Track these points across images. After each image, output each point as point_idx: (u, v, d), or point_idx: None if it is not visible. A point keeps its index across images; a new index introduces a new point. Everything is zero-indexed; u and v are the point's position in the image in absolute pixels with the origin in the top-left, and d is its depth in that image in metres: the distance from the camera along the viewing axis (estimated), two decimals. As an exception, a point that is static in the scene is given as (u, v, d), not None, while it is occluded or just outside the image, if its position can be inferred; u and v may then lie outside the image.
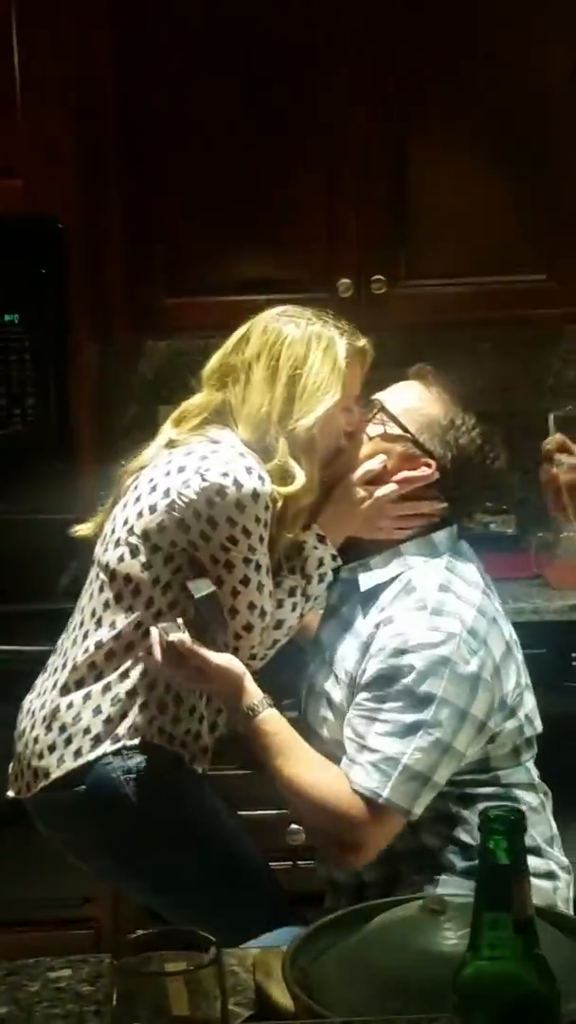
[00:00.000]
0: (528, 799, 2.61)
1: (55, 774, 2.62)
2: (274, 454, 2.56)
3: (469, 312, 3.80)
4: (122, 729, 2.59)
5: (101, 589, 2.64)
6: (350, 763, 2.48)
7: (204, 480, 2.49)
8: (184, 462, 2.55)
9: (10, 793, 2.74)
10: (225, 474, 2.49)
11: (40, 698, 2.70)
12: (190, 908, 2.63)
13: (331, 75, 3.63)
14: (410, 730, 2.44)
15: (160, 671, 2.55)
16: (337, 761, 2.53)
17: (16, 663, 3.35)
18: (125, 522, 2.59)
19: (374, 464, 2.65)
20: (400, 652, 2.48)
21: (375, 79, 3.66)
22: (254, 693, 2.52)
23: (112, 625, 2.62)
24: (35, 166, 3.43)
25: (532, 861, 2.44)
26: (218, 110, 3.64)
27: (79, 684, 2.63)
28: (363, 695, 2.50)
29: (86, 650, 2.64)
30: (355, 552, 2.69)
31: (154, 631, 2.50)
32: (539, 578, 3.79)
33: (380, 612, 2.57)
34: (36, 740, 2.66)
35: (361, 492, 2.63)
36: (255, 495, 2.49)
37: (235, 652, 2.56)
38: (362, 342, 2.64)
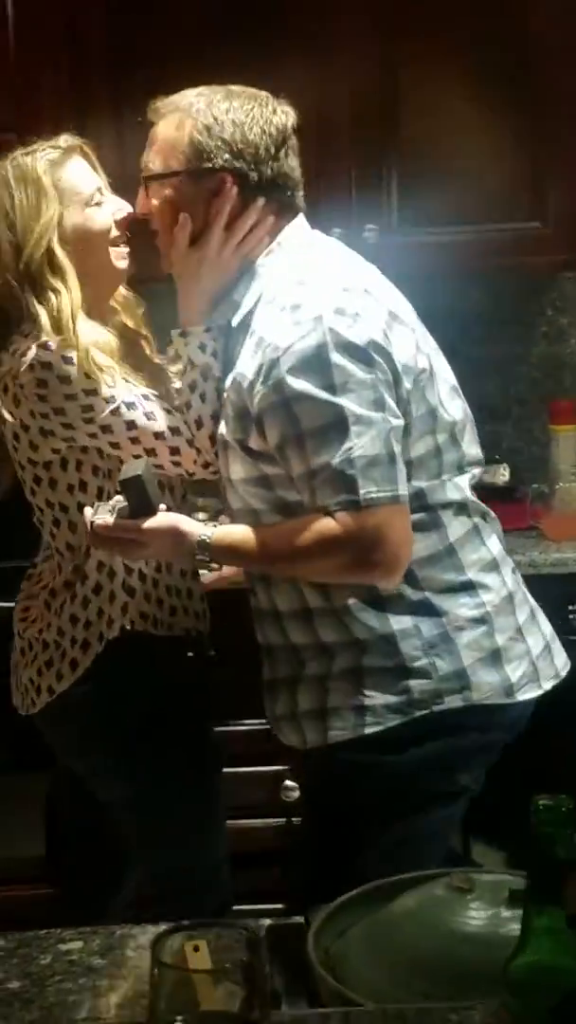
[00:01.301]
0: (456, 525, 2.54)
1: (59, 688, 2.70)
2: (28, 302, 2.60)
3: (462, 260, 3.79)
4: (103, 627, 2.67)
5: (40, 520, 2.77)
6: (312, 494, 2.40)
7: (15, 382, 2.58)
8: None
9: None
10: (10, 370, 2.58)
11: (24, 623, 2.79)
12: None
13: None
14: (335, 428, 2.37)
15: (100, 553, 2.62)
16: (261, 497, 2.51)
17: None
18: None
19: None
20: (273, 364, 2.39)
21: (365, 30, 3.63)
22: (195, 527, 2.52)
23: (53, 539, 2.73)
24: (28, 124, 3.41)
25: (461, 598, 2.53)
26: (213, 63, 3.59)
27: (53, 594, 2.72)
28: (271, 429, 2.42)
29: (51, 571, 2.74)
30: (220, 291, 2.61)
31: (86, 515, 2.53)
32: (535, 530, 3.79)
33: (251, 337, 2.49)
34: (33, 659, 2.74)
35: (194, 254, 2.56)
36: (49, 367, 2.54)
37: (190, 476, 2.63)
38: (62, 141, 2.68)
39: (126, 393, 2.58)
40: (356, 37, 3.63)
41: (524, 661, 2.58)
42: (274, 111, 2.54)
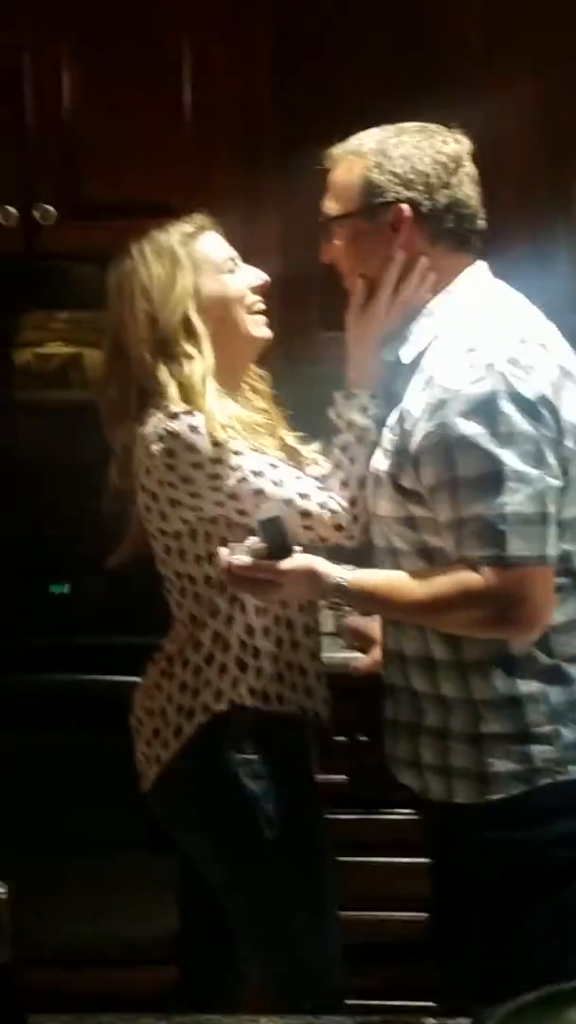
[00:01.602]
0: None
1: (166, 757, 2.71)
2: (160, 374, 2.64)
3: None
4: (208, 698, 2.66)
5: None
6: (459, 543, 2.37)
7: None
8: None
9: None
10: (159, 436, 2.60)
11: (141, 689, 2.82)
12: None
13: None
14: (492, 480, 2.33)
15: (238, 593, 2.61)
16: (404, 536, 2.48)
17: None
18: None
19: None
20: (441, 404, 2.37)
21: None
22: (332, 569, 2.48)
23: (179, 609, 2.74)
24: (198, 203, 3.43)
25: None
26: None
27: (170, 662, 2.74)
28: (427, 468, 2.39)
29: (170, 641, 2.77)
30: (396, 327, 2.59)
31: (221, 554, 2.50)
32: None
33: (422, 375, 2.47)
34: (141, 731, 2.77)
35: (369, 311, 2.60)
36: (176, 436, 2.58)
37: (323, 542, 2.62)
38: (196, 218, 2.78)
39: (253, 461, 2.60)
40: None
41: None
42: (444, 140, 2.57)
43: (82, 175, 3.57)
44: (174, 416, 2.59)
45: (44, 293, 3.63)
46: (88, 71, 3.54)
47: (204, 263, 2.73)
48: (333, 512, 2.61)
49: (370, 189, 2.55)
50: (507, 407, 2.35)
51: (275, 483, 2.60)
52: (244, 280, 2.78)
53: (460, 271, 2.59)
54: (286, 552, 2.47)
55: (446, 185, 2.54)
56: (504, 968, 2.41)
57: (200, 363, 2.64)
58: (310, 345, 3.63)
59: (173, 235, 2.74)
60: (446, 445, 2.37)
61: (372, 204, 2.55)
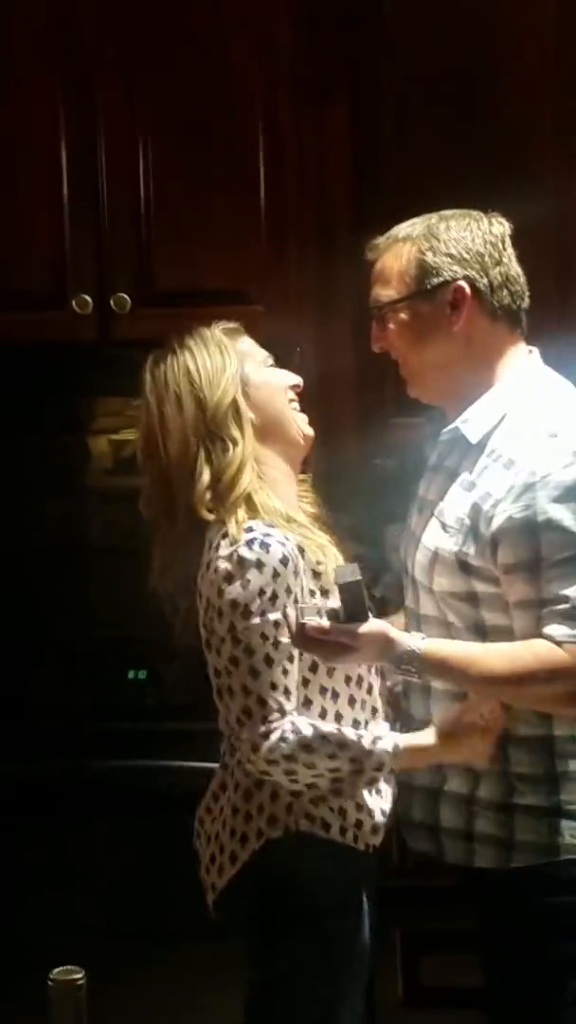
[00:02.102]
0: None
1: (220, 884, 2.67)
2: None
3: None
4: (262, 823, 2.62)
5: None
6: (539, 623, 2.42)
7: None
8: None
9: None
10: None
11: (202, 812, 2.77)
12: None
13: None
14: None
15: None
16: (460, 612, 2.52)
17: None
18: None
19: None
20: (528, 488, 2.42)
21: None
22: (403, 636, 2.50)
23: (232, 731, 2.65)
24: (273, 291, 3.51)
25: None
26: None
27: (222, 787, 2.70)
28: (506, 549, 2.44)
29: (223, 766, 2.73)
30: (454, 408, 2.64)
31: (292, 613, 2.50)
32: None
33: (492, 455, 2.51)
34: (201, 856, 2.73)
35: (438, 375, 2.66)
36: (241, 564, 2.53)
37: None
38: (231, 324, 2.78)
39: (274, 653, 2.54)
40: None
41: None
42: (489, 222, 2.65)
43: (156, 264, 3.59)
44: (249, 544, 2.55)
45: (119, 381, 3.64)
46: (162, 162, 3.57)
47: (248, 355, 2.75)
48: (278, 760, 2.54)
49: (426, 270, 2.60)
50: None
51: (259, 700, 2.54)
52: (284, 377, 2.79)
53: (515, 351, 2.65)
54: (363, 615, 2.47)
55: (498, 263, 2.62)
56: None
57: (242, 447, 2.64)
58: (384, 432, 3.64)
59: (217, 330, 2.76)
60: (533, 527, 2.42)
61: (429, 285, 2.60)
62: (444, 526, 2.57)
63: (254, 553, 2.53)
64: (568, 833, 2.54)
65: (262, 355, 2.78)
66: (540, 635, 2.43)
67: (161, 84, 3.52)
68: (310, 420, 2.82)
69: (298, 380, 2.79)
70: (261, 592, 2.51)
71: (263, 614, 2.52)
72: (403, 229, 2.68)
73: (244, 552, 2.54)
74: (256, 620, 2.52)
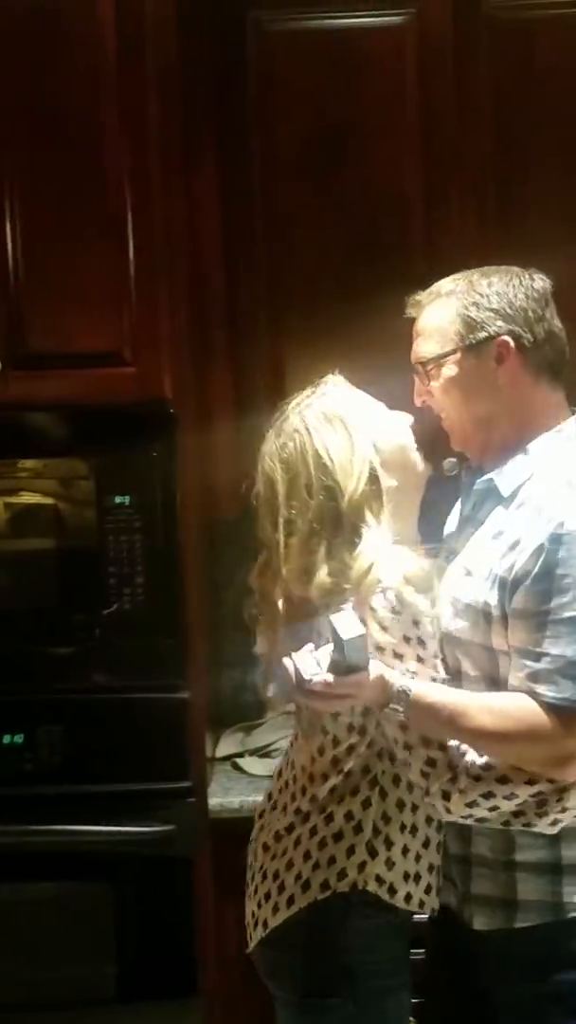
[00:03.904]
0: None
1: (272, 923, 2.62)
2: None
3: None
4: (331, 876, 2.57)
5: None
6: (529, 676, 2.42)
7: None
8: None
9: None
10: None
11: (255, 849, 2.73)
12: None
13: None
14: None
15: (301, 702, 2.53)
16: (477, 662, 2.52)
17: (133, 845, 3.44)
18: None
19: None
20: (555, 540, 2.42)
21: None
22: (395, 676, 2.48)
23: (312, 761, 2.63)
24: (145, 353, 3.51)
25: None
26: (330, 288, 3.71)
27: (289, 829, 2.65)
28: (521, 596, 2.44)
29: (292, 796, 2.66)
30: (492, 461, 2.65)
31: (288, 664, 2.47)
32: None
33: (521, 507, 2.52)
34: (255, 890, 2.68)
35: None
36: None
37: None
38: (332, 377, 2.69)
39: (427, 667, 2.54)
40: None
41: None
42: (531, 278, 2.67)
43: (27, 326, 3.55)
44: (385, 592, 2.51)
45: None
46: (32, 224, 3.53)
47: (369, 412, 2.66)
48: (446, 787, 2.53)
49: (471, 325, 2.62)
50: None
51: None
52: (403, 423, 2.72)
53: (559, 409, 2.67)
54: (364, 666, 2.45)
55: (541, 319, 2.64)
56: None
57: (377, 530, 2.56)
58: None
59: (327, 400, 2.65)
60: (551, 578, 2.42)
61: (475, 340, 2.61)
62: (468, 574, 2.58)
63: (393, 597, 2.51)
64: (568, 892, 2.55)
65: (376, 405, 2.70)
66: (528, 688, 2.44)
67: (30, 146, 3.51)
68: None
69: (411, 418, 2.73)
70: (407, 640, 2.52)
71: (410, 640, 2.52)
72: (445, 285, 2.69)
73: (387, 596, 2.50)
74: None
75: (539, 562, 2.44)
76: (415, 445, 2.70)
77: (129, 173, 3.49)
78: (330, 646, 2.45)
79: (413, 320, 2.75)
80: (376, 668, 2.46)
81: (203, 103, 3.67)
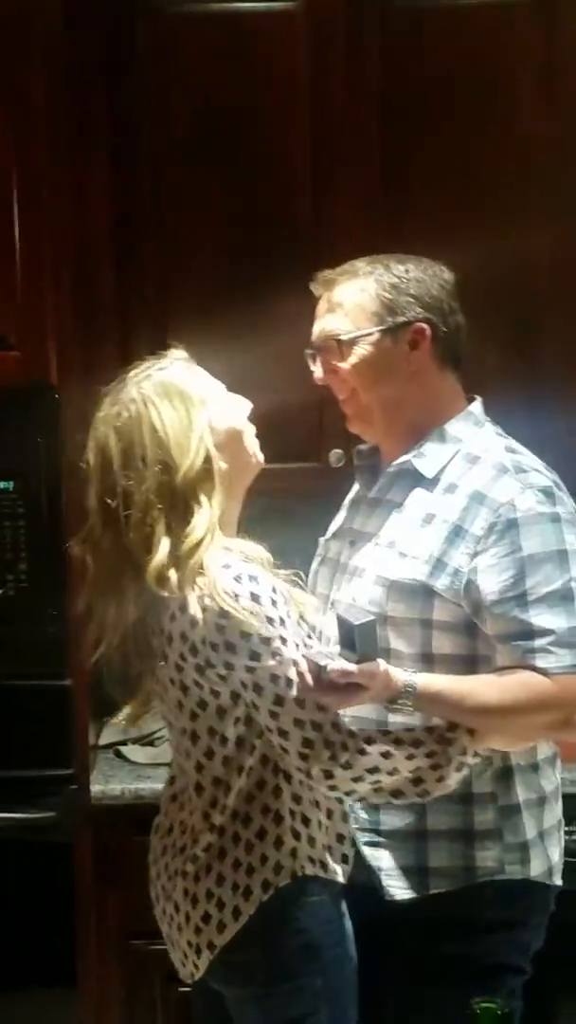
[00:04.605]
0: None
1: (221, 942, 2.58)
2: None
3: None
4: (268, 873, 2.56)
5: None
6: (527, 655, 2.49)
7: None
8: None
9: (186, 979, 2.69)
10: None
11: (170, 879, 2.66)
12: None
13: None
14: (566, 595, 2.49)
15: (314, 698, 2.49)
16: (411, 639, 2.58)
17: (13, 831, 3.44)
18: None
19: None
20: (512, 524, 2.51)
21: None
22: (398, 672, 2.50)
23: (199, 772, 2.59)
24: (31, 337, 3.48)
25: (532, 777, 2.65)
26: (219, 273, 3.71)
27: (207, 848, 2.59)
28: (492, 586, 2.51)
29: (201, 813, 2.61)
30: (397, 444, 2.71)
31: (302, 660, 2.46)
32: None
33: (453, 491, 2.60)
34: (187, 919, 2.61)
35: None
36: (236, 599, 2.44)
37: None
38: (177, 353, 2.65)
39: (294, 649, 2.49)
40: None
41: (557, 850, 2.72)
42: (441, 269, 2.72)
43: None
44: (238, 578, 2.47)
45: None
46: None
47: (208, 397, 2.59)
48: (335, 755, 2.50)
49: (391, 308, 2.65)
50: (567, 528, 2.53)
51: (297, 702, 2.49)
52: (241, 407, 2.66)
53: (459, 397, 2.74)
54: (375, 655, 2.47)
55: (453, 311, 2.70)
56: None
57: (208, 512, 2.51)
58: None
59: (169, 372, 2.59)
60: (519, 563, 2.50)
61: (394, 323, 2.65)
62: (402, 555, 2.61)
63: (242, 587, 2.46)
64: (480, 858, 2.63)
65: (219, 390, 2.64)
66: (527, 666, 2.50)
67: None
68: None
69: (250, 404, 2.67)
70: (270, 620, 2.47)
71: (272, 631, 2.47)
72: (360, 265, 2.70)
73: (230, 585, 2.46)
74: (269, 643, 2.47)
75: (503, 550, 2.52)
76: (253, 432, 2.67)
77: (15, 156, 3.45)
78: (331, 648, 2.50)
79: (308, 299, 2.77)
80: (382, 663, 2.49)
81: (93, 84, 3.65)
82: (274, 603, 2.47)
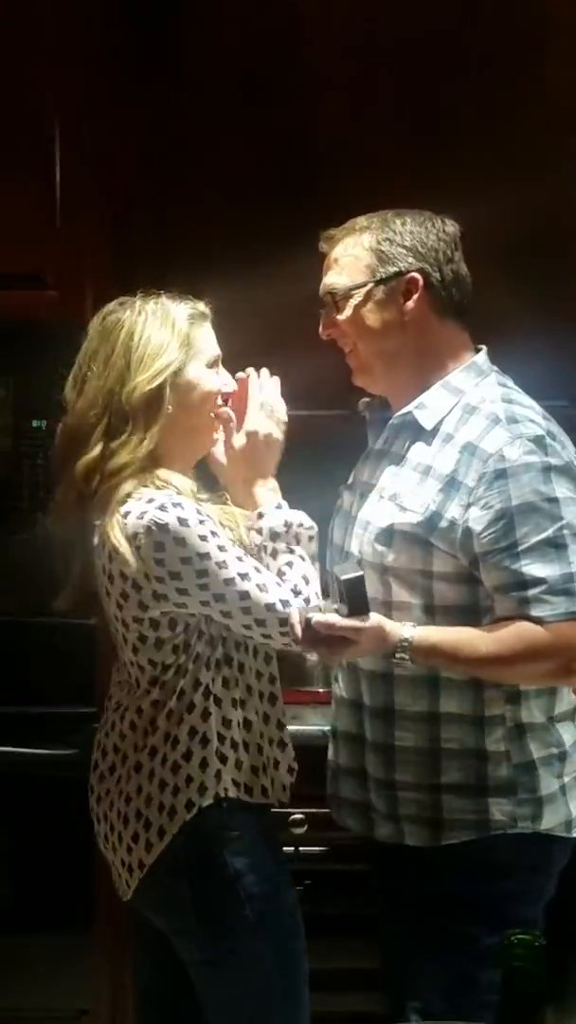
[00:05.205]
0: None
1: (148, 860, 2.63)
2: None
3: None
4: (192, 794, 2.60)
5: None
6: (521, 604, 2.52)
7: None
8: None
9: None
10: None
11: (108, 799, 2.71)
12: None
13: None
14: (557, 543, 2.51)
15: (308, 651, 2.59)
16: (413, 589, 2.61)
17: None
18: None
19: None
20: (500, 475, 2.52)
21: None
22: (395, 626, 2.55)
23: (145, 697, 2.64)
24: (68, 276, 3.50)
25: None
26: (254, 219, 3.71)
27: (137, 767, 2.64)
28: (484, 536, 2.53)
29: (133, 742, 2.66)
30: (401, 396, 2.73)
31: (294, 612, 2.52)
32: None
33: (450, 441, 2.62)
34: (119, 838, 2.67)
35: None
36: (166, 529, 2.50)
37: (295, 644, 2.56)
38: (201, 305, 2.68)
39: (239, 563, 2.56)
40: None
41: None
42: (443, 221, 2.73)
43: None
44: (162, 507, 2.53)
45: None
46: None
47: (199, 350, 2.66)
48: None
49: (382, 259, 2.67)
50: (557, 476, 2.53)
51: (260, 587, 2.55)
52: (221, 382, 2.72)
53: (463, 346, 2.74)
54: (365, 609, 2.51)
55: (450, 260, 2.70)
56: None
57: (146, 443, 2.57)
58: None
59: (182, 308, 2.66)
60: (509, 514, 2.52)
61: (385, 274, 2.67)
62: (402, 508, 2.64)
63: (168, 514, 2.52)
64: (496, 811, 2.64)
65: (212, 354, 2.69)
66: (522, 616, 2.53)
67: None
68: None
69: (232, 388, 2.75)
70: (203, 537, 2.53)
71: (205, 542, 2.53)
72: (360, 221, 2.73)
73: (157, 515, 2.52)
74: (209, 555, 2.53)
75: (492, 501, 2.53)
76: (220, 405, 2.72)
77: (55, 96, 3.50)
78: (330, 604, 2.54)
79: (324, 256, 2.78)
80: (377, 618, 2.53)
81: (134, 24, 3.66)
82: (201, 521, 2.53)
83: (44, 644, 3.53)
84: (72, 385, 2.67)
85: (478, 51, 3.74)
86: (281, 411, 2.76)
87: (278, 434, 2.75)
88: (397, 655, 2.54)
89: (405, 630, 2.54)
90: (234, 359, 2.76)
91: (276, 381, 2.79)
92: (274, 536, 2.65)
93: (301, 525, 2.68)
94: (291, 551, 2.65)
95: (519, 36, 3.72)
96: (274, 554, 2.65)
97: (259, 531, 2.66)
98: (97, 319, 2.68)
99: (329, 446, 3.34)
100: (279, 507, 2.69)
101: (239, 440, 2.73)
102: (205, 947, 2.66)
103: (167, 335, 2.61)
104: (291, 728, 2.75)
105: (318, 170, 3.71)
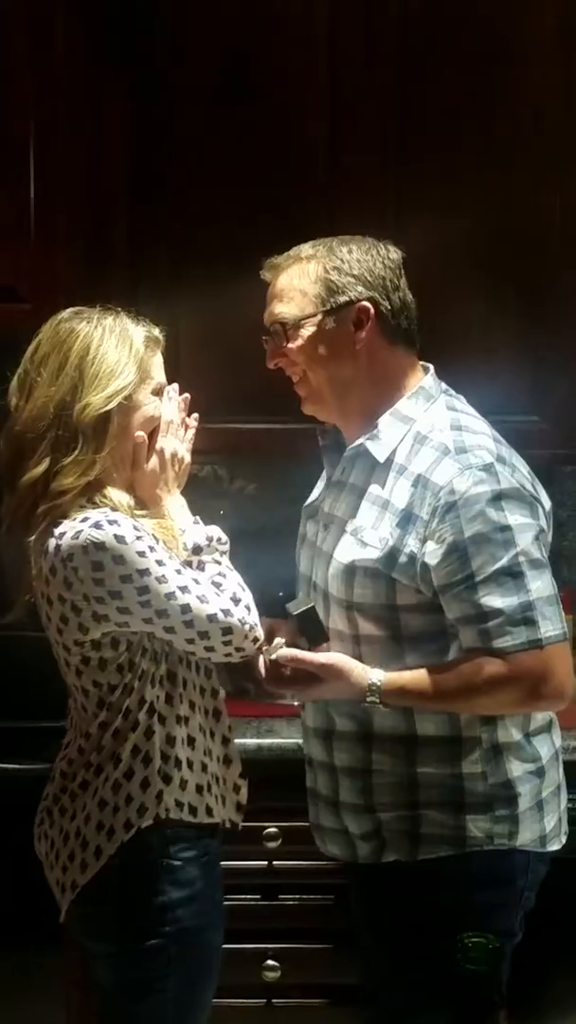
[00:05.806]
0: None
1: (82, 881, 2.60)
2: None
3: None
4: (132, 814, 2.58)
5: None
6: (482, 637, 2.53)
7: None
8: None
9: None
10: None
11: (49, 818, 2.70)
12: None
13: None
14: (513, 571, 2.51)
15: (273, 693, 2.65)
16: (380, 622, 2.61)
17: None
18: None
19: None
20: (451, 507, 2.52)
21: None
22: (363, 669, 2.58)
23: (92, 719, 2.63)
24: (43, 289, 3.49)
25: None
26: (230, 236, 3.69)
27: (83, 785, 2.63)
28: (440, 570, 2.53)
29: (82, 762, 2.65)
30: (353, 424, 2.74)
31: (185, 569, 2.53)
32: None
33: (403, 473, 2.62)
34: (57, 856, 2.65)
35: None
36: (103, 548, 2.47)
37: (237, 655, 2.58)
38: (156, 331, 2.67)
39: (179, 576, 2.54)
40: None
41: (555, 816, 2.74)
42: (387, 248, 2.74)
43: None
44: (97, 525, 2.50)
45: None
46: None
47: (150, 375, 2.65)
48: (252, 626, 2.59)
49: (331, 289, 2.67)
50: (508, 504, 2.52)
51: (200, 599, 2.54)
52: (170, 410, 2.72)
53: (412, 371, 2.74)
54: (324, 637, 2.58)
55: (397, 288, 2.71)
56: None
57: (96, 466, 2.55)
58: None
59: (141, 333, 2.64)
60: (462, 546, 2.52)
61: (335, 304, 2.66)
62: (363, 543, 2.64)
63: (104, 532, 2.49)
64: (472, 828, 2.65)
65: (159, 382, 2.68)
66: (484, 648, 2.54)
67: None
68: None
69: (178, 420, 2.75)
70: (140, 553, 2.50)
71: (143, 558, 2.51)
72: (304, 249, 2.73)
73: (93, 534, 2.49)
74: (149, 570, 2.51)
75: (445, 534, 2.53)
76: (168, 433, 2.70)
77: (33, 104, 3.50)
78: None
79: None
80: (341, 657, 2.58)
81: (113, 33, 3.64)
82: (139, 537, 2.51)
83: (12, 658, 3.50)
84: (18, 387, 2.62)
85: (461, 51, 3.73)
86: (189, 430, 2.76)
87: (183, 452, 2.74)
88: (368, 699, 2.57)
89: (373, 675, 2.57)
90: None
91: (185, 399, 2.78)
92: (198, 550, 2.64)
93: (219, 540, 2.68)
94: (218, 563, 2.65)
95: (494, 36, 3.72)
96: (201, 567, 2.63)
97: (183, 546, 2.64)
98: (49, 325, 2.64)
99: (299, 460, 3.34)
100: (196, 522, 2.69)
101: (151, 460, 2.70)
102: (120, 974, 2.65)
103: (124, 355, 2.59)
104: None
105: (295, 184, 3.71)
